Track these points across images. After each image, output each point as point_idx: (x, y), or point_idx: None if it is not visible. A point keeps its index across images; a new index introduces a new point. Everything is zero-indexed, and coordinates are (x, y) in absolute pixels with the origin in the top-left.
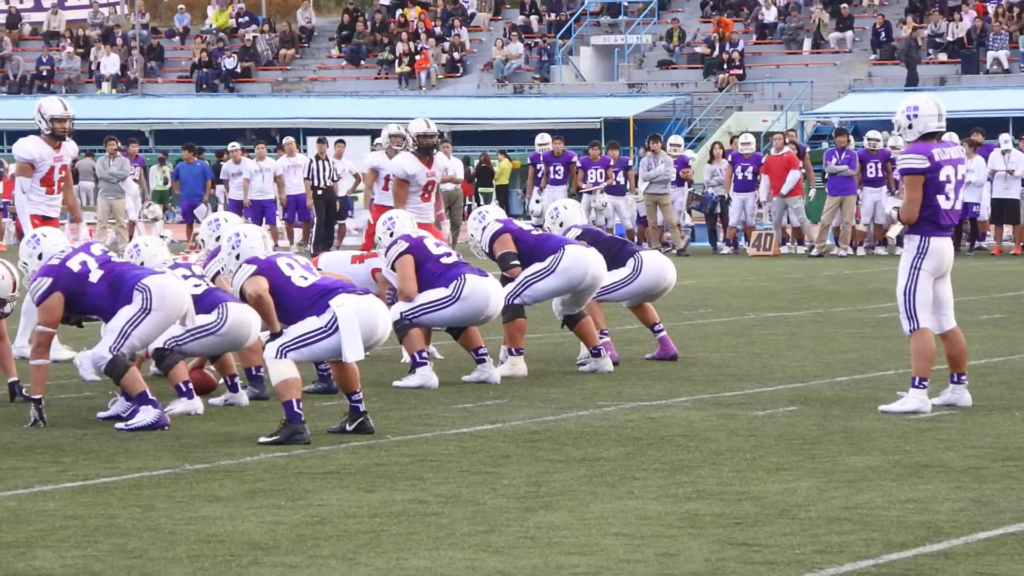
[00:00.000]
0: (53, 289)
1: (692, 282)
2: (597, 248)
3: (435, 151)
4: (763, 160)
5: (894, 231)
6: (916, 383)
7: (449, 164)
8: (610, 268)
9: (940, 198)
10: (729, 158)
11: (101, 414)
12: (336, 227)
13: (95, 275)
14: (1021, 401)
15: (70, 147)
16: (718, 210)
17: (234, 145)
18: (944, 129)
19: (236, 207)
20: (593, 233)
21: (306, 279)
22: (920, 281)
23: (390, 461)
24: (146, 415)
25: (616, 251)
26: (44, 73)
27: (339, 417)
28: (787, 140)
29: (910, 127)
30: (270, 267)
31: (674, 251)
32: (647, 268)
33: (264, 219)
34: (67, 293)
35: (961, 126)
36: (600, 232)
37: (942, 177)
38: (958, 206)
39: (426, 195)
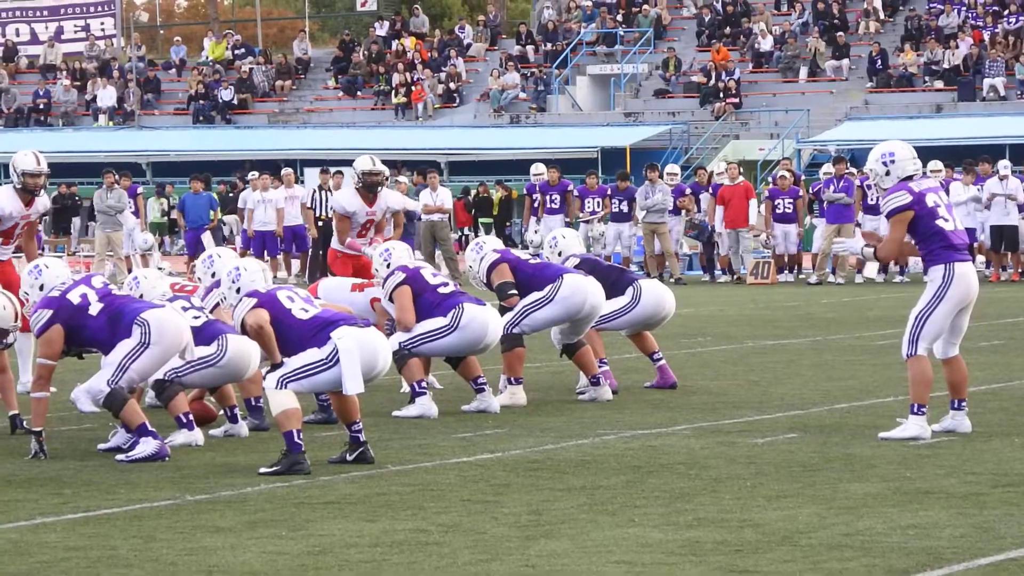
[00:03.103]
0: (53, 321)
1: (690, 311)
2: (595, 276)
3: (380, 189)
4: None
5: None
6: (915, 409)
7: (437, 195)
8: (609, 296)
9: (939, 222)
10: (710, 189)
11: (102, 446)
12: None
13: (95, 308)
14: (1020, 427)
15: (41, 203)
16: (715, 239)
17: (254, 174)
18: (920, 171)
19: (260, 236)
20: (591, 262)
21: (307, 311)
22: (938, 311)
23: (391, 491)
24: (146, 447)
25: (615, 279)
26: (41, 106)
27: (339, 447)
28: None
29: (887, 173)
30: (271, 300)
31: (672, 280)
32: (646, 296)
33: (265, 251)
34: (67, 326)
35: (958, 154)
36: (598, 261)
37: (930, 203)
38: (960, 227)
39: (363, 232)
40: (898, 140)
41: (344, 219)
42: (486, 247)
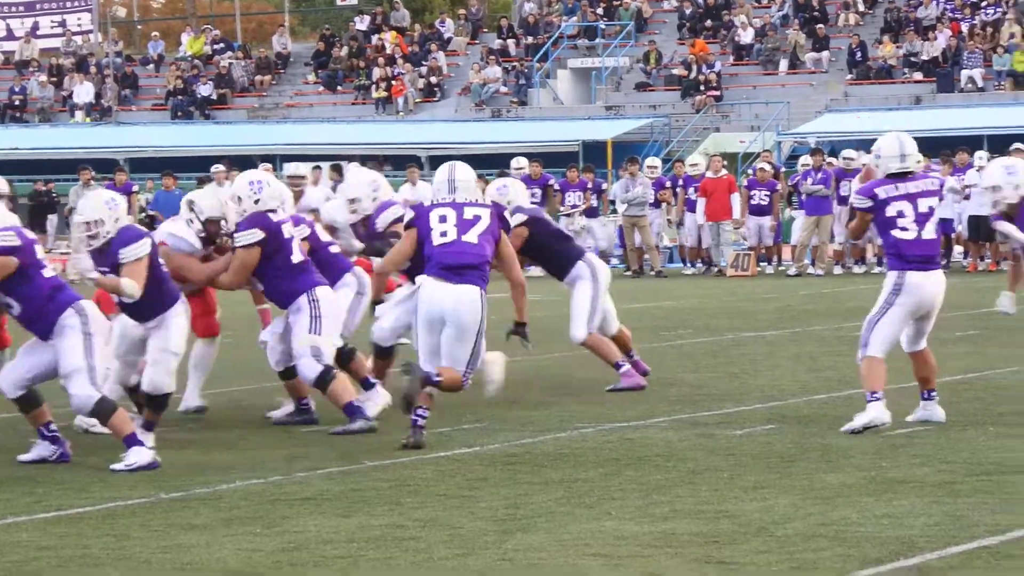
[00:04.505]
0: (11, 252)
1: (670, 303)
2: (542, 239)
3: (298, 191)
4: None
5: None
6: (869, 396)
7: (416, 189)
8: (555, 262)
9: (895, 232)
10: (681, 181)
11: (22, 457)
12: None
13: (48, 271)
14: (995, 417)
15: None
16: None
17: (217, 167)
18: (909, 169)
19: None
20: (540, 222)
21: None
22: (889, 315)
23: (367, 486)
24: (140, 456)
25: (562, 246)
26: (17, 103)
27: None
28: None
29: (877, 167)
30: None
31: (652, 272)
32: (601, 267)
33: None
34: (21, 263)
35: (936, 145)
36: (548, 222)
37: (890, 213)
38: (927, 236)
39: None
40: (896, 133)
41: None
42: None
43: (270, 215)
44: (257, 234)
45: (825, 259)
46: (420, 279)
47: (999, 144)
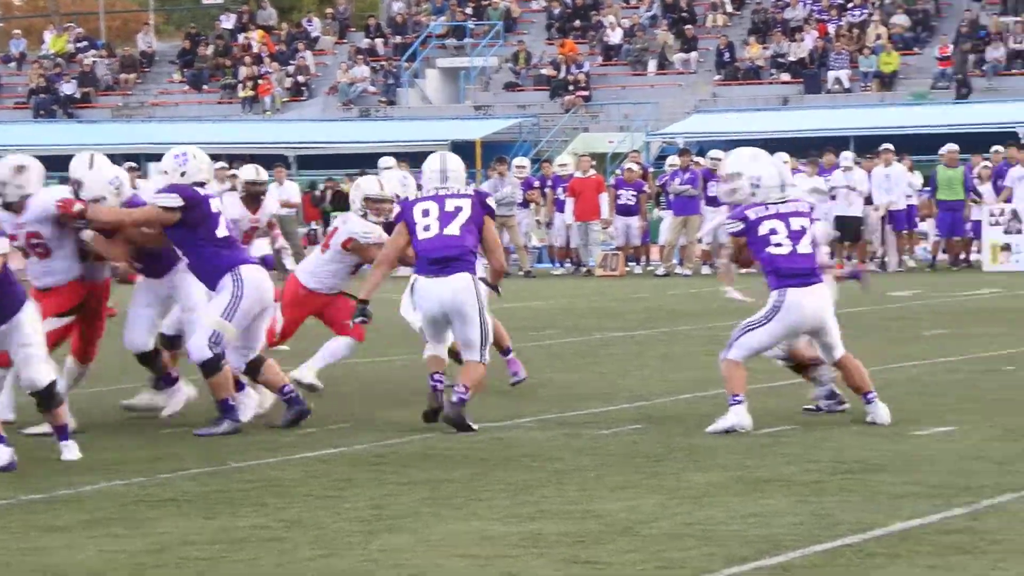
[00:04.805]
0: None
1: (539, 303)
2: None
3: (263, 198)
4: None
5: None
6: (732, 400)
7: (284, 189)
8: None
9: (770, 249)
10: (550, 181)
11: None
12: None
13: None
14: (858, 415)
15: None
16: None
17: (131, 164)
18: (788, 197)
19: None
20: None
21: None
22: (763, 330)
23: (232, 487)
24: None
25: None
26: None
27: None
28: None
29: (753, 195)
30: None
31: (521, 272)
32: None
33: None
34: None
35: (803, 145)
36: None
37: (763, 232)
38: (802, 251)
39: (247, 239)
40: (776, 163)
41: None
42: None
43: (196, 188)
44: (176, 199)
45: (693, 259)
46: (412, 278)
47: (866, 145)
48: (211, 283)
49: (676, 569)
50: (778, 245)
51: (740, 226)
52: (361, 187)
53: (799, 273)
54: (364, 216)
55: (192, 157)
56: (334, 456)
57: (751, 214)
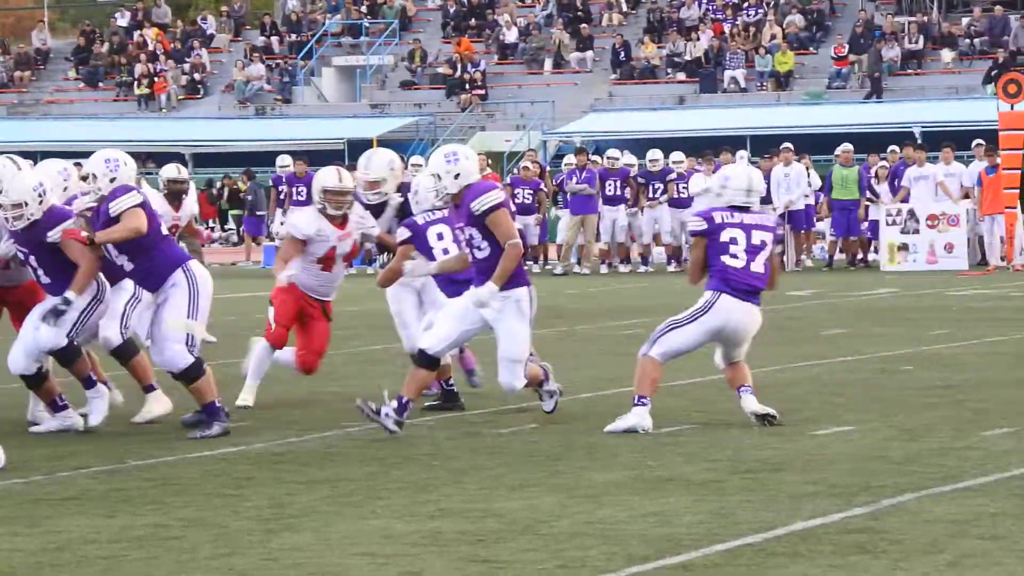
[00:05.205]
0: None
1: None
2: None
3: (184, 196)
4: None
5: None
6: (636, 401)
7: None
8: None
9: (725, 258)
10: None
11: None
12: None
13: None
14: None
15: None
16: None
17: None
18: (753, 204)
19: None
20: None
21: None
22: (688, 329)
23: (131, 486)
24: None
25: None
26: None
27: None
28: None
29: (719, 196)
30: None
31: None
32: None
33: None
34: None
35: (699, 144)
36: None
37: (724, 238)
38: (755, 269)
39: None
40: (748, 168)
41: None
42: None
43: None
44: (137, 196)
45: (591, 258)
46: (447, 303)
47: (761, 144)
48: (160, 282)
49: (576, 568)
50: (734, 256)
51: (704, 225)
52: (319, 179)
53: (744, 289)
54: (323, 209)
55: (123, 164)
56: (233, 455)
57: (717, 217)
